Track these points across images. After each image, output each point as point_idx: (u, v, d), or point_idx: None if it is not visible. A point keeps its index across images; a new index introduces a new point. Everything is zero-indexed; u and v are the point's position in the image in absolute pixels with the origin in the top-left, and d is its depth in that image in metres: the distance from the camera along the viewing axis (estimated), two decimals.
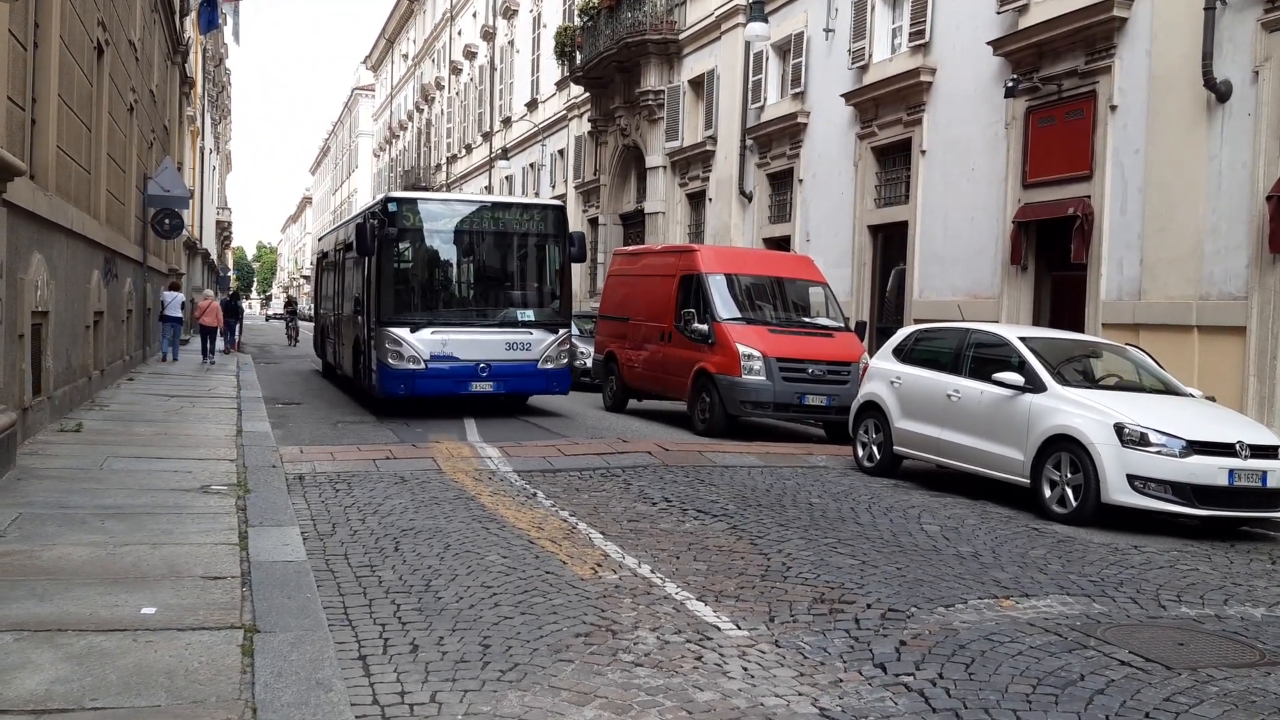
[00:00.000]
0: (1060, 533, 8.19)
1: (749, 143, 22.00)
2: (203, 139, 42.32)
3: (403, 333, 13.75)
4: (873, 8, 18.15)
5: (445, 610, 5.35)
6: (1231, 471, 8.24)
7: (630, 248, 20.08)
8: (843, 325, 14.47)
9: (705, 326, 13.78)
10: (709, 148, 23.59)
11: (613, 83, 27.66)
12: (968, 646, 5.09)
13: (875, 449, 10.93)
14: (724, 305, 13.95)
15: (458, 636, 4.94)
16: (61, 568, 5.32)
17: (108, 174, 14.65)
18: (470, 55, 45.56)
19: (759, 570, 6.47)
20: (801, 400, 13.18)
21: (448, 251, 14.74)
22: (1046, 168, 14.18)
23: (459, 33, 48.16)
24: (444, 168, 49.58)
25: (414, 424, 13.41)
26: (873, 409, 11.04)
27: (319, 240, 25.56)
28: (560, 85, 33.43)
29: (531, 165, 37.30)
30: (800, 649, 4.99)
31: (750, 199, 22.11)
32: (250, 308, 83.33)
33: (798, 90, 20.22)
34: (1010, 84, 14.59)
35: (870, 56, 18.09)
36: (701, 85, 24.12)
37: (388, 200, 14.36)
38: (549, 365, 14.55)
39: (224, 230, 65.58)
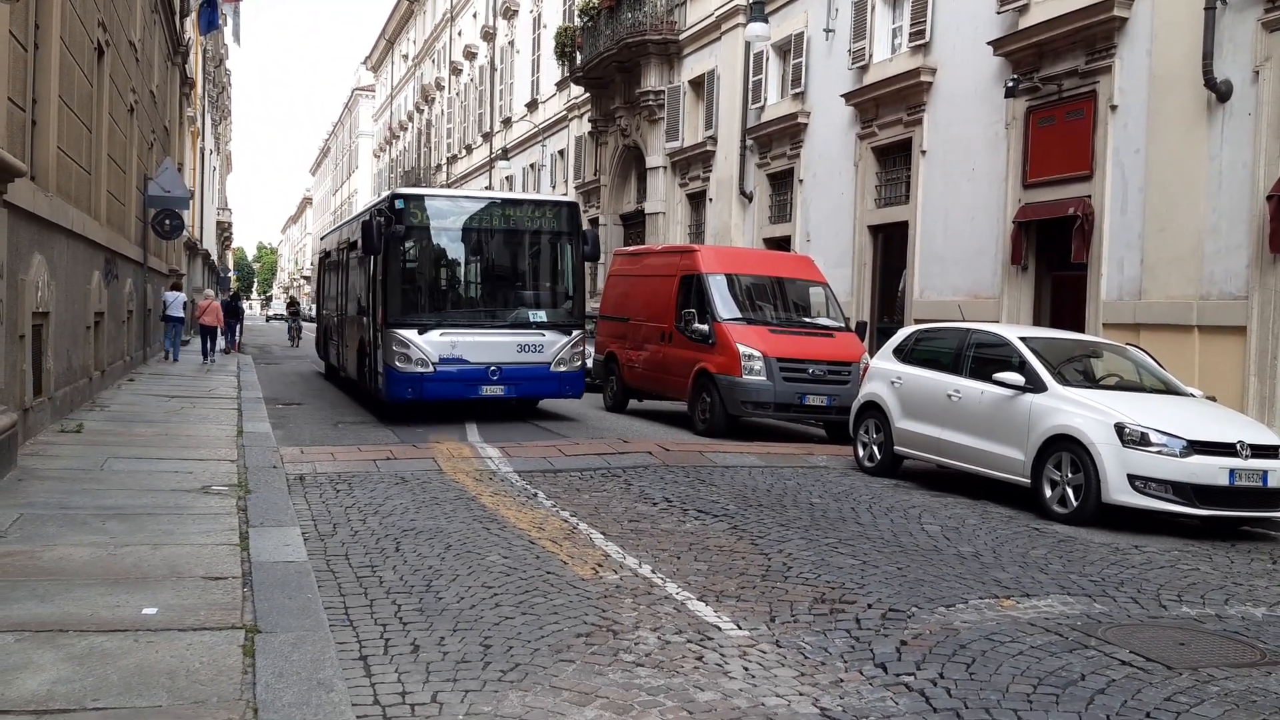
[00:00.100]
0: (1061, 532, 8.19)
1: (749, 143, 22.00)
2: (203, 139, 42.33)
3: (410, 334, 13.34)
4: (873, 8, 18.16)
5: (446, 610, 5.35)
6: (1232, 471, 8.24)
7: (631, 248, 20.07)
8: (843, 325, 14.47)
9: (706, 327, 13.78)
10: (709, 148, 23.60)
11: (613, 83, 27.66)
12: (969, 646, 5.09)
13: (876, 449, 10.93)
14: (724, 305, 13.95)
15: (459, 636, 4.94)
16: (63, 568, 5.33)
17: (108, 175, 14.66)
18: (470, 56, 45.57)
19: (760, 570, 6.47)
20: (802, 400, 13.18)
21: (457, 250, 14.28)
22: (1047, 168, 14.18)
23: (459, 33, 48.17)
24: (444, 168, 49.59)
25: (415, 424, 13.41)
26: (873, 409, 11.04)
27: (321, 239, 25.14)
28: (560, 85, 33.44)
29: (532, 166, 37.31)
30: (801, 649, 4.99)
31: (750, 199, 22.11)
32: (250, 308, 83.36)
33: (798, 90, 20.22)
34: (1010, 84, 14.59)
35: (870, 56, 18.09)
36: (702, 85, 24.13)
37: (394, 197, 13.90)
38: (562, 368, 14.12)
39: (224, 231, 65.61)
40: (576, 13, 29.20)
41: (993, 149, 15.19)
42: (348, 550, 6.57)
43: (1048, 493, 8.83)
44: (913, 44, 16.99)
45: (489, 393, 13.71)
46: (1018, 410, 9.22)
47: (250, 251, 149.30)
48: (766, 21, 19.03)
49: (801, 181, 20.34)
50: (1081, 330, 13.03)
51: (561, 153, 34.27)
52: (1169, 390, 9.58)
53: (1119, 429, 8.42)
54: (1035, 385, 9.18)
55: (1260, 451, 8.40)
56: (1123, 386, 9.63)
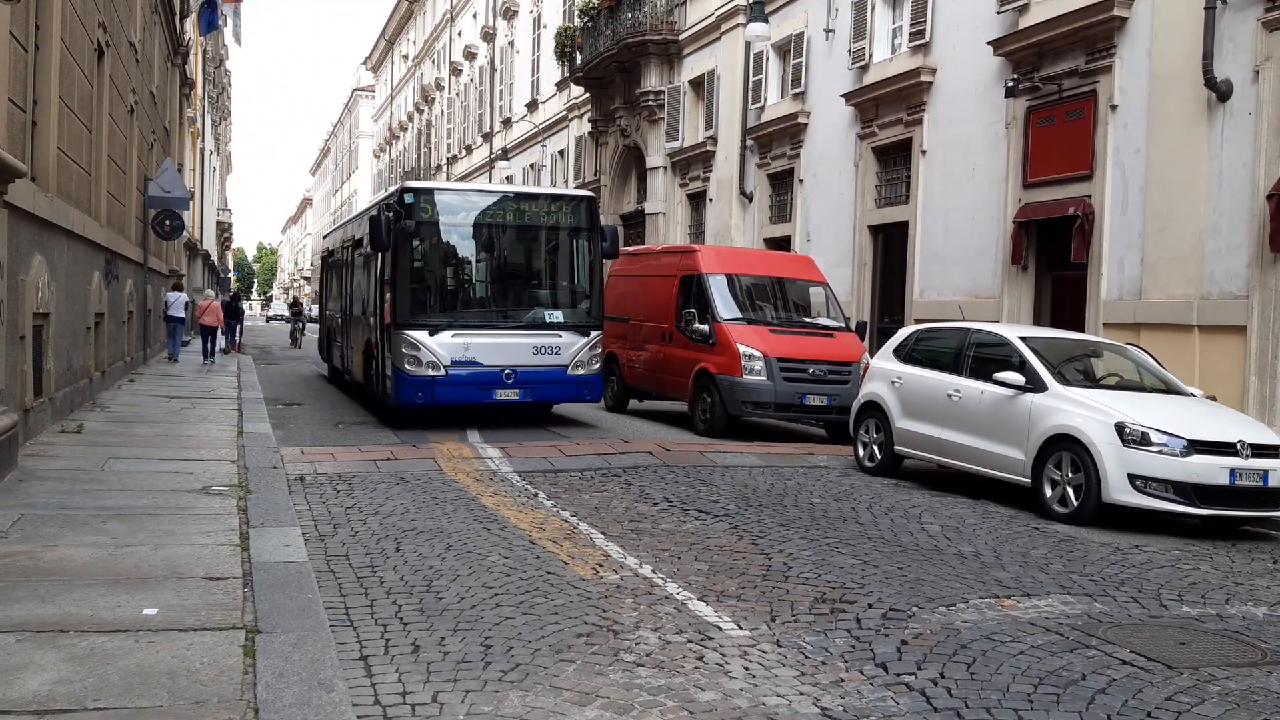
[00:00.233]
0: (1061, 532, 8.19)
1: (749, 143, 22.00)
2: (203, 140, 42.35)
3: (420, 335, 12.66)
4: (873, 8, 18.16)
5: (447, 610, 5.35)
6: (1233, 471, 8.24)
7: (631, 248, 20.05)
8: (843, 325, 14.47)
9: (706, 327, 13.78)
10: (709, 148, 23.60)
11: (613, 83, 27.66)
12: (969, 646, 5.09)
13: (876, 449, 10.93)
14: (725, 305, 13.94)
15: (459, 637, 4.94)
16: (63, 569, 5.33)
17: (108, 175, 14.67)
18: (470, 56, 45.58)
19: (760, 570, 6.47)
20: (802, 400, 13.18)
21: (469, 246, 13.58)
22: (1047, 167, 14.18)
23: (459, 33, 48.18)
24: (444, 168, 49.59)
25: (415, 424, 13.39)
26: (874, 409, 11.04)
27: (324, 238, 24.28)
28: (560, 86, 33.44)
29: (532, 166, 37.31)
30: (802, 649, 4.99)
31: (751, 199, 22.11)
32: (250, 309, 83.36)
33: (798, 90, 20.22)
34: (1010, 84, 14.59)
35: (870, 56, 18.09)
36: (702, 85, 24.13)
37: (404, 190, 13.20)
38: (580, 371, 13.43)
39: (224, 231, 65.64)
40: (576, 13, 29.20)
41: (993, 149, 15.19)
42: (348, 550, 6.57)
43: (1048, 492, 8.83)
44: (913, 44, 16.99)
45: (503, 397, 13.07)
46: (1018, 410, 9.22)
47: (250, 252, 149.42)
48: (766, 21, 19.03)
49: (802, 181, 20.34)
50: (1082, 330, 13.03)
51: (561, 153, 34.27)
52: (1169, 390, 9.58)
53: (1119, 429, 8.42)
54: (1035, 385, 9.18)
55: (1261, 451, 8.40)
56: (1123, 386, 9.63)
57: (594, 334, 13.69)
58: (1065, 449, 8.72)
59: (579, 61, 28.56)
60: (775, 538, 7.42)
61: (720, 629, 5.24)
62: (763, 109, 21.61)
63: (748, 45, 21.32)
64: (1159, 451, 8.28)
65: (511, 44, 39.88)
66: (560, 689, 4.31)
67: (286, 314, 57.00)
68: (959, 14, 16.00)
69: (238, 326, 28.22)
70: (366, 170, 79.92)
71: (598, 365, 13.78)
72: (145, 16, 19.04)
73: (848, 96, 18.46)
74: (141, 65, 18.61)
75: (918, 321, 15.01)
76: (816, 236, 19.69)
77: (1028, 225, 14.40)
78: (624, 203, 29.38)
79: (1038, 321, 14.28)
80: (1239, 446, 8.33)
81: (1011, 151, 14.80)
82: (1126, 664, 4.93)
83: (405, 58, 62.69)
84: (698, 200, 24.71)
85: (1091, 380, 9.77)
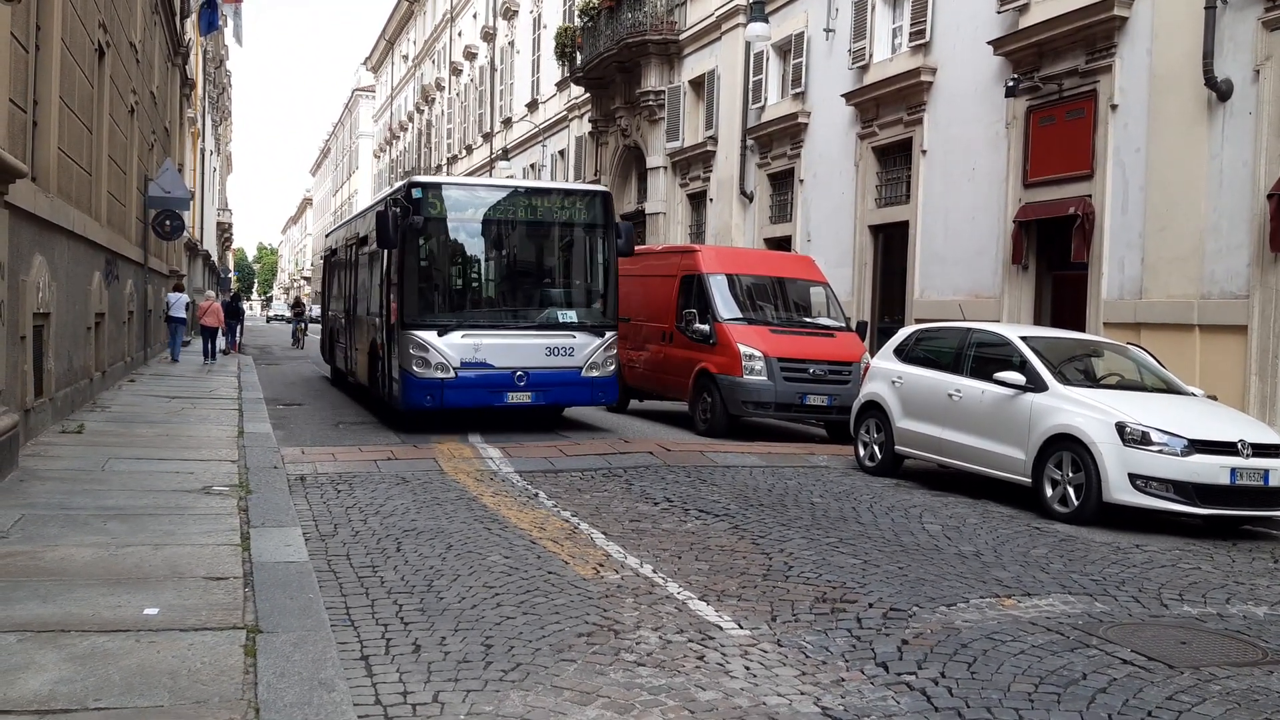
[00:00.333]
0: (1062, 532, 8.19)
1: (750, 143, 22.00)
2: (203, 140, 42.36)
3: (429, 336, 12.19)
4: (873, 8, 18.16)
5: (447, 610, 5.35)
6: (1233, 470, 8.24)
7: None
8: (844, 325, 14.47)
9: (707, 327, 13.78)
10: (710, 148, 23.59)
11: (613, 83, 27.66)
12: (970, 645, 5.09)
13: (877, 448, 10.93)
14: (725, 305, 13.94)
15: (460, 636, 4.94)
16: (64, 569, 5.33)
17: (109, 176, 14.67)
18: (470, 56, 45.59)
19: (761, 570, 6.47)
20: (803, 400, 13.18)
21: (479, 243, 13.09)
22: (1047, 167, 14.18)
23: (459, 34, 48.18)
24: (444, 169, 49.60)
25: (416, 424, 13.38)
26: (874, 409, 11.04)
27: (327, 236, 23.86)
28: (560, 86, 33.44)
29: (532, 166, 37.31)
30: (802, 648, 4.99)
31: (751, 199, 22.11)
32: (251, 309, 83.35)
33: (798, 90, 20.22)
34: (1011, 83, 14.59)
35: (871, 56, 18.09)
36: (702, 85, 24.13)
37: (412, 185, 12.66)
38: (594, 373, 12.93)
39: (225, 231, 65.64)
40: (576, 13, 29.20)
41: (993, 148, 15.19)
42: (349, 550, 6.58)
43: (1049, 492, 8.83)
44: (913, 44, 16.99)
45: (515, 400, 12.56)
46: (1018, 410, 9.22)
47: (250, 252, 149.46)
48: (766, 21, 19.03)
49: (802, 181, 20.34)
50: (1082, 329, 13.03)
51: (562, 153, 34.27)
52: (1170, 389, 9.57)
53: (1120, 428, 8.42)
54: (1036, 384, 9.18)
55: (1261, 450, 8.39)
56: (1124, 386, 9.63)
57: (609, 334, 13.17)
58: (1066, 448, 8.72)
59: (579, 61, 28.56)
60: (776, 537, 7.42)
61: (721, 628, 5.24)
62: (763, 109, 21.61)
63: (748, 45, 21.32)
64: (1160, 451, 8.28)
65: (511, 44, 39.88)
66: (561, 688, 4.31)
67: (287, 314, 56.96)
68: (959, 14, 16.00)
69: (238, 327, 28.23)
70: (367, 170, 79.93)
71: (613, 367, 13.28)
72: (145, 17, 19.05)
73: (848, 96, 18.46)
74: (142, 65, 18.62)
75: (918, 321, 15.00)
76: (817, 236, 19.69)
77: (1028, 225, 14.40)
78: (624, 203, 29.34)
79: (1038, 321, 14.28)
80: (1240, 446, 8.33)
81: (1012, 151, 14.80)
82: (1127, 663, 4.92)
83: (405, 58, 62.69)
84: (698, 200, 24.71)
85: (1092, 380, 9.77)
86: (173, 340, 22.16)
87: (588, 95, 29.97)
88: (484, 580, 5.95)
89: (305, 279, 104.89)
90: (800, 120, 20.10)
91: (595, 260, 13.41)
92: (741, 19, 21.85)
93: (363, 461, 10.08)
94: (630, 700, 4.22)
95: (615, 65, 26.59)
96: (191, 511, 6.89)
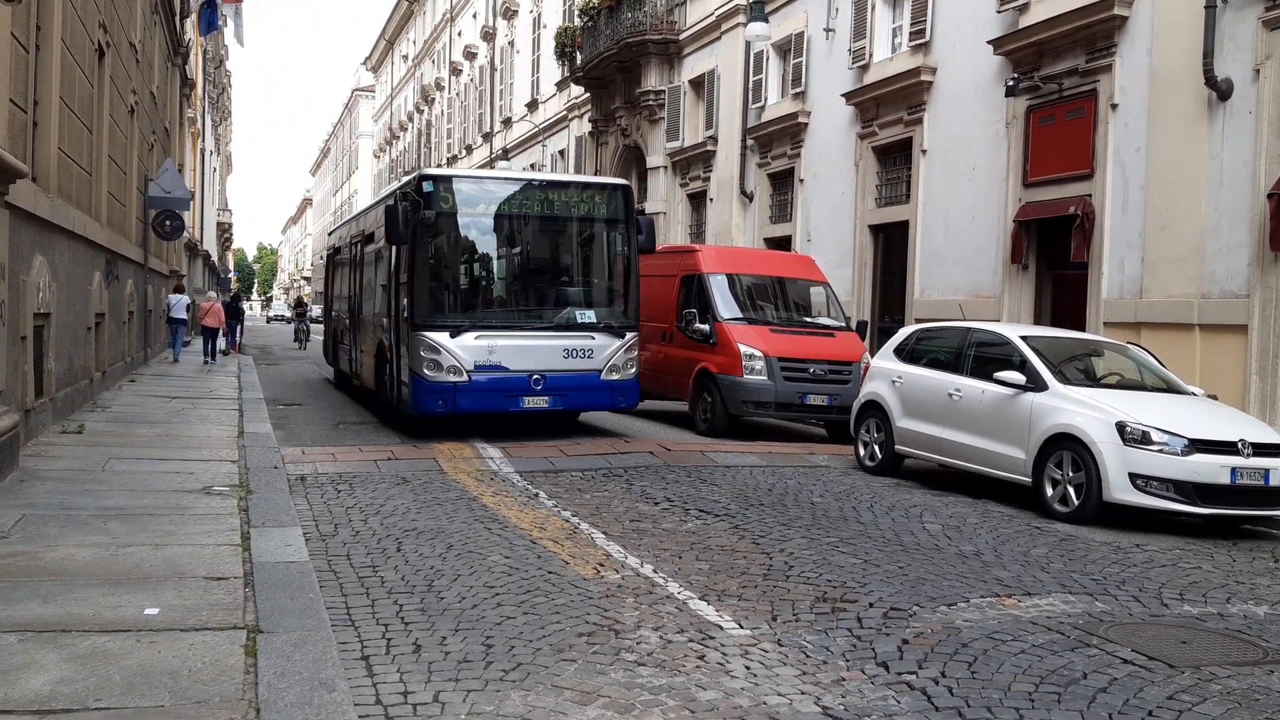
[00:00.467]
0: (1062, 531, 8.19)
1: (750, 143, 22.00)
2: (203, 140, 42.35)
3: (441, 338, 11.60)
4: (873, 7, 18.16)
5: (448, 610, 5.35)
6: (1234, 470, 8.24)
7: None
8: (844, 325, 14.47)
9: (707, 326, 13.77)
10: (710, 148, 23.59)
11: (613, 83, 27.66)
12: (970, 645, 5.09)
13: (877, 448, 10.93)
14: (725, 305, 13.94)
15: (460, 636, 4.94)
16: (65, 569, 5.33)
17: (109, 176, 14.67)
18: (470, 56, 45.58)
19: (761, 569, 6.47)
20: (803, 400, 13.18)
21: (493, 240, 12.42)
22: (1047, 166, 14.18)
23: (459, 33, 48.18)
24: (444, 169, 49.58)
25: (416, 425, 13.36)
26: (874, 408, 11.04)
27: (330, 234, 23.22)
28: (560, 85, 33.44)
29: (532, 166, 37.31)
30: (803, 648, 4.99)
31: (751, 199, 22.11)
32: (251, 309, 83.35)
33: (798, 90, 20.22)
34: (1011, 83, 14.59)
35: (871, 56, 18.09)
36: (702, 85, 24.13)
37: (422, 178, 12.04)
38: (614, 376, 12.33)
39: (225, 232, 65.64)
40: (576, 13, 29.19)
41: (993, 148, 15.19)
42: (349, 550, 6.58)
43: (1049, 491, 8.83)
44: (913, 43, 16.99)
45: (531, 405, 11.99)
46: (1019, 409, 9.22)
47: (250, 252, 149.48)
48: (766, 21, 19.04)
49: (802, 181, 20.34)
50: (1082, 329, 13.02)
51: (562, 153, 34.26)
52: (1170, 389, 9.57)
53: (1120, 428, 8.42)
54: (1036, 384, 9.18)
55: (1262, 450, 8.39)
56: (1124, 385, 9.63)
57: (629, 335, 12.58)
58: (1066, 448, 8.72)
59: (579, 61, 28.56)
60: (776, 537, 7.42)
61: (721, 628, 5.24)
62: (763, 109, 21.61)
63: (748, 45, 21.32)
64: (1160, 450, 8.28)
65: (511, 44, 39.88)
66: (561, 688, 4.32)
67: (288, 314, 56.94)
68: (959, 13, 16.00)
69: (238, 327, 28.23)
70: (367, 170, 79.94)
71: (634, 370, 12.69)
72: (145, 17, 19.05)
73: (848, 96, 18.46)
74: (142, 66, 18.62)
75: (918, 321, 15.00)
76: (817, 236, 19.69)
77: (1028, 224, 14.40)
78: None
79: (1038, 321, 14.28)
80: (1240, 445, 8.33)
81: (1012, 151, 14.80)
82: (1128, 663, 4.93)
83: (405, 58, 62.69)
84: (698, 200, 24.71)
85: (1092, 379, 9.77)
86: (173, 340, 22.19)
87: (588, 95, 29.96)
88: (484, 580, 5.95)
89: (305, 279, 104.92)
90: (800, 120, 20.10)
91: (615, 257, 12.82)
92: (741, 19, 21.85)
93: (363, 461, 10.08)
94: (631, 700, 4.22)
95: (615, 65, 26.59)
96: (192, 511, 6.89)
